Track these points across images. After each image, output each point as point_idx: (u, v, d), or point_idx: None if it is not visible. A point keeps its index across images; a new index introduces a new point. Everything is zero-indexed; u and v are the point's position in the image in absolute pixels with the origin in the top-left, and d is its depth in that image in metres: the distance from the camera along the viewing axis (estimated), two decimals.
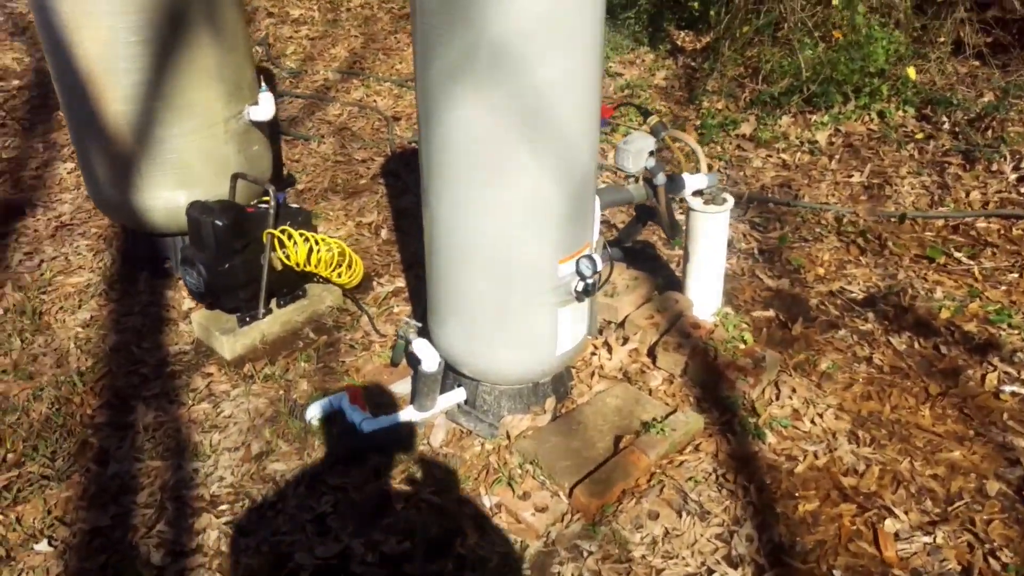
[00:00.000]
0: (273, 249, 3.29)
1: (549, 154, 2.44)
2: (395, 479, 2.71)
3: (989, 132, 4.92)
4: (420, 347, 2.82)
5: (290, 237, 3.29)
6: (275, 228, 3.28)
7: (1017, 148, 4.66)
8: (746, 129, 5.25)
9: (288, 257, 3.31)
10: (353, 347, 3.38)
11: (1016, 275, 3.77)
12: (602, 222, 4.29)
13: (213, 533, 2.55)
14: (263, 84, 3.78)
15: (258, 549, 2.50)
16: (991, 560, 2.43)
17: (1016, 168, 4.54)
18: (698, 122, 5.40)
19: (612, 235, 4.02)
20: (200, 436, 2.94)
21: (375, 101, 5.99)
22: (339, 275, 3.50)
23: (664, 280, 3.66)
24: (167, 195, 3.59)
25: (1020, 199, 4.36)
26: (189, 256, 3.22)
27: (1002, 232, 4.12)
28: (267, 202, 3.31)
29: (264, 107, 3.75)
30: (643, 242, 4.04)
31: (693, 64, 6.33)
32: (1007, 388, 3.09)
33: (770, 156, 5.01)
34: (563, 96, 2.39)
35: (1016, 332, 3.37)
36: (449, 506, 2.61)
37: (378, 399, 3.02)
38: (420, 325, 2.97)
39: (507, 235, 2.54)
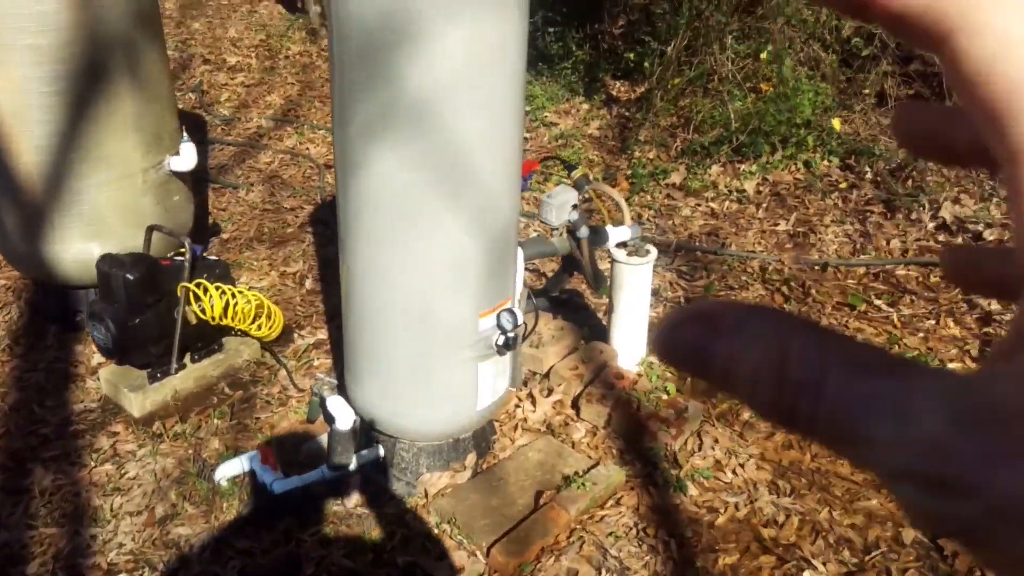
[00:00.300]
0: (188, 303, 3.19)
1: (468, 209, 2.42)
2: (307, 542, 2.61)
3: (909, 182, 5.05)
4: (335, 405, 2.74)
5: (206, 291, 3.20)
6: (190, 281, 3.19)
7: (935, 197, 4.79)
8: (676, 178, 5.32)
9: (204, 311, 3.21)
10: (269, 403, 3.29)
11: (933, 321, 3.84)
12: (531, 271, 4.29)
13: None
14: (185, 134, 3.71)
15: None
16: None
17: (934, 217, 4.66)
18: (629, 171, 5.45)
19: (542, 283, 4.01)
20: (101, 500, 2.81)
21: (308, 148, 5.95)
22: (258, 328, 3.42)
23: (590, 329, 3.65)
24: (79, 247, 3.48)
25: (937, 247, 4.46)
26: (97, 311, 3.11)
27: (920, 279, 4.21)
28: (183, 254, 3.22)
29: (185, 157, 3.68)
30: (571, 291, 4.03)
31: (627, 114, 6.43)
32: None
33: (699, 205, 5.08)
34: (482, 152, 2.38)
35: None
36: (362, 569, 2.52)
37: (292, 457, 2.93)
38: (335, 382, 2.90)
39: (426, 291, 2.50)
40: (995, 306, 3.91)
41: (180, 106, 6.62)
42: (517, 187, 2.59)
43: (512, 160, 2.49)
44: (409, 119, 2.24)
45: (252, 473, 2.81)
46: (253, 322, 3.39)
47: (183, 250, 3.23)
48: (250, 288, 4.02)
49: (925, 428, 0.21)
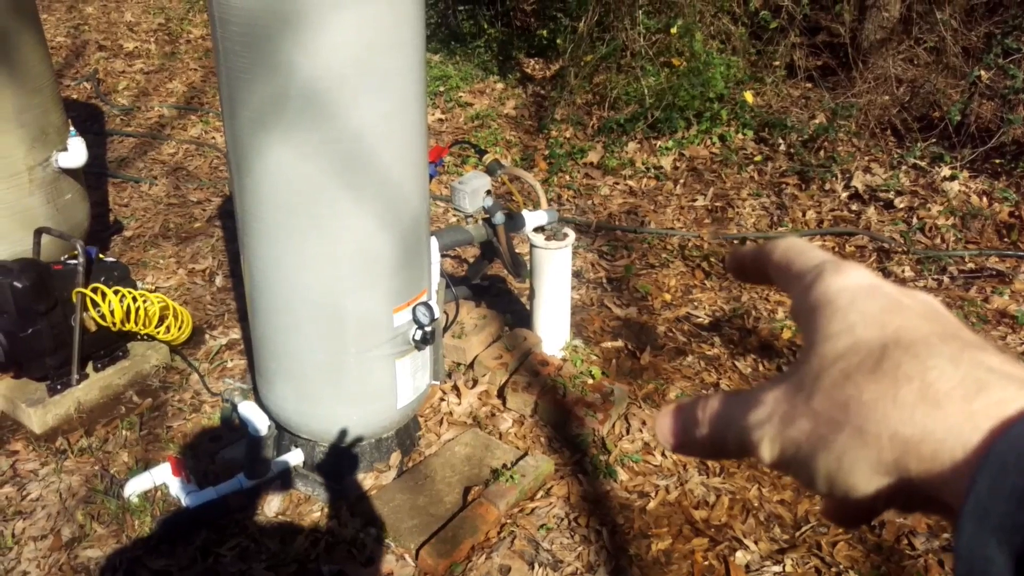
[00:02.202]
0: (85, 309, 3.00)
1: (373, 200, 2.31)
2: (226, 556, 2.48)
3: (821, 152, 5.13)
4: (247, 410, 2.61)
5: (104, 295, 3.01)
6: (86, 285, 3.00)
7: (847, 167, 4.87)
8: (593, 157, 5.29)
9: (103, 316, 3.03)
10: (182, 410, 3.12)
11: None
12: (452, 258, 4.20)
13: None
14: (72, 128, 3.48)
15: None
16: None
17: (846, 186, 4.74)
18: (547, 151, 5.39)
19: (464, 271, 3.92)
20: (1, 525, 2.62)
21: (214, 138, 5.70)
22: (165, 331, 3.24)
23: (514, 316, 3.59)
24: None
25: (851, 216, 4.54)
26: None
27: (836, 249, 4.27)
28: (77, 257, 3.03)
29: (74, 153, 3.45)
30: (492, 277, 3.96)
31: (542, 92, 6.36)
32: None
33: (617, 183, 5.05)
34: (383, 140, 2.26)
35: None
36: None
37: (207, 466, 2.79)
38: (247, 386, 2.77)
39: (334, 288, 2.38)
40: (908, 272, 4.00)
41: (75, 96, 6.29)
42: (424, 175, 2.49)
43: (417, 146, 2.38)
44: (302, 108, 2.11)
45: (165, 486, 2.66)
46: (159, 325, 3.21)
47: (76, 252, 3.03)
48: (156, 288, 3.83)
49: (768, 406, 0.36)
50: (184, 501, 2.58)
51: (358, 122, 2.18)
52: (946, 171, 4.67)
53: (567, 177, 5.12)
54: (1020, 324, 3.58)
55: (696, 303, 3.84)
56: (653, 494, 2.76)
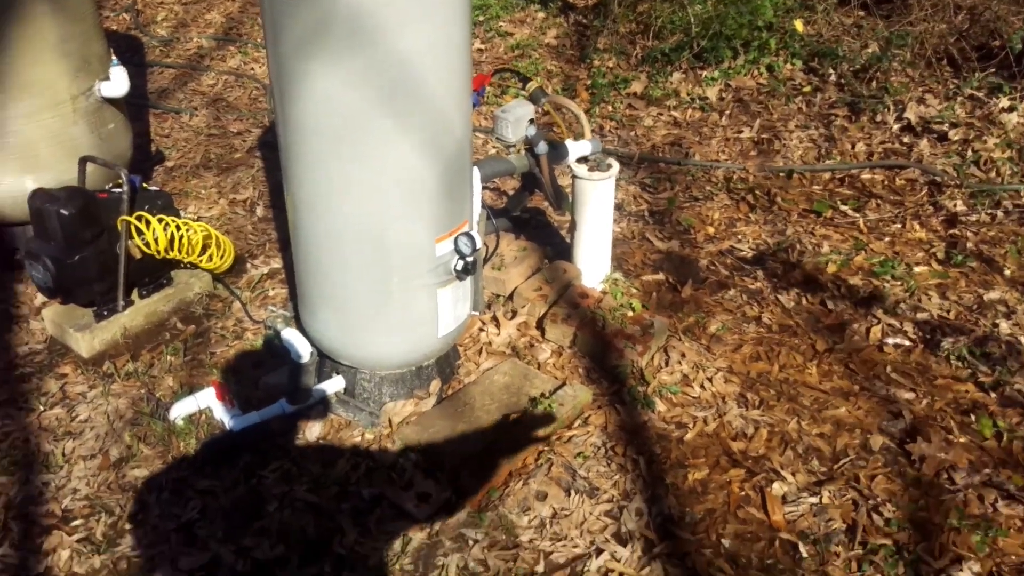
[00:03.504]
0: (130, 236, 3.04)
1: (417, 128, 2.28)
2: (268, 478, 2.54)
3: (873, 83, 4.96)
4: (290, 337, 2.64)
5: (148, 223, 3.05)
6: (130, 213, 3.03)
7: (900, 98, 4.70)
8: (637, 87, 5.17)
9: (148, 244, 3.06)
10: (224, 336, 3.17)
11: (899, 225, 3.81)
12: (491, 190, 4.16)
13: (64, 552, 2.34)
14: (114, 57, 3.48)
15: (115, 568, 2.31)
16: (874, 516, 2.43)
17: (899, 118, 4.59)
18: (589, 81, 5.28)
19: (503, 203, 3.89)
20: (52, 445, 2.71)
21: (252, 69, 5.68)
22: (208, 259, 3.28)
23: (554, 249, 3.56)
24: (11, 181, 3.28)
25: (902, 149, 4.40)
26: (34, 250, 2.95)
27: (886, 183, 4.15)
28: (121, 186, 3.05)
29: (117, 82, 3.46)
30: (533, 210, 3.92)
31: (584, 21, 6.21)
32: (890, 341, 3.10)
33: (661, 114, 4.95)
34: (428, 66, 2.22)
35: (899, 283, 3.40)
36: (326, 504, 2.46)
37: (250, 392, 2.84)
38: (289, 314, 2.80)
39: (377, 217, 2.37)
40: (960, 206, 3.88)
41: (114, 27, 6.29)
42: (468, 103, 2.45)
43: (461, 73, 2.33)
44: (346, 33, 2.07)
45: (209, 410, 2.72)
46: (202, 253, 3.25)
47: (121, 181, 3.05)
48: (198, 218, 3.87)
49: None
50: (228, 424, 2.64)
51: (403, 48, 2.14)
52: (1005, 102, 4.48)
53: (609, 108, 5.02)
54: None
55: (740, 236, 3.77)
56: (691, 425, 2.76)
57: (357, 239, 2.41)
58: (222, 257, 3.32)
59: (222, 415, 2.66)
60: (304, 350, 2.64)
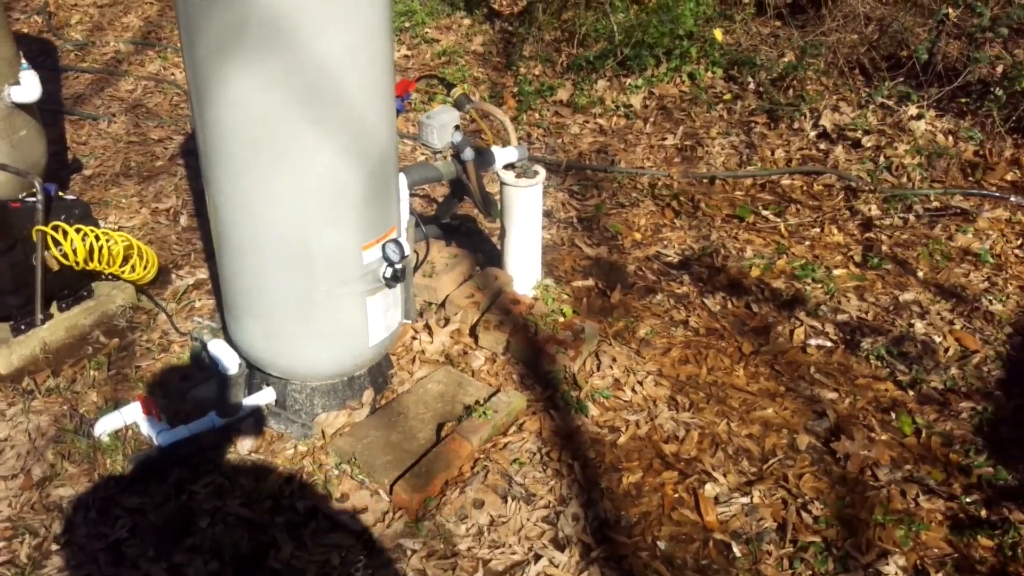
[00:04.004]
0: (47, 247, 2.93)
1: (339, 133, 2.27)
2: (199, 494, 2.48)
3: (790, 91, 5.12)
4: (217, 349, 2.59)
5: (65, 234, 2.94)
6: (46, 223, 2.92)
7: (815, 106, 4.87)
8: (563, 95, 5.23)
9: (66, 255, 2.96)
10: (150, 349, 3.09)
11: (818, 230, 3.94)
12: (422, 197, 4.15)
13: None
14: (24, 61, 3.36)
15: None
16: (803, 514, 2.51)
17: (815, 125, 4.75)
18: (515, 89, 5.32)
19: (433, 211, 3.88)
20: None
21: (173, 74, 5.54)
22: (131, 270, 3.19)
23: (485, 255, 3.57)
24: None
25: (819, 155, 4.56)
26: None
27: (804, 188, 4.30)
28: (35, 195, 2.94)
29: (28, 87, 3.34)
30: (463, 217, 3.93)
31: (510, 28, 6.25)
32: (813, 342, 3.21)
33: (587, 121, 5.01)
34: (347, 70, 2.21)
35: (819, 286, 3.52)
36: (260, 518, 2.42)
37: (178, 406, 2.77)
38: (216, 324, 2.74)
39: (301, 224, 2.35)
40: (875, 211, 4.04)
41: (25, 30, 6.05)
42: (391, 108, 2.44)
43: (383, 78, 2.33)
44: (263, 36, 2.04)
45: (135, 425, 2.64)
46: (124, 264, 3.16)
47: (35, 190, 2.95)
48: (119, 228, 3.76)
49: None
50: (156, 440, 2.57)
51: (322, 52, 2.13)
52: (913, 110, 4.69)
53: (536, 115, 5.07)
54: (983, 262, 3.65)
55: (666, 242, 3.85)
56: (624, 429, 2.80)
57: (281, 246, 2.37)
58: (145, 268, 3.23)
59: (149, 430, 2.59)
60: (232, 362, 2.59)
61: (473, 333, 3.16)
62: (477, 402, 2.79)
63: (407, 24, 6.24)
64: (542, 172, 3.17)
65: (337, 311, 2.53)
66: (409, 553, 2.36)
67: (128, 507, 2.45)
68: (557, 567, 2.33)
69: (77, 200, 3.13)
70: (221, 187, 2.34)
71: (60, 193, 3.13)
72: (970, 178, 4.27)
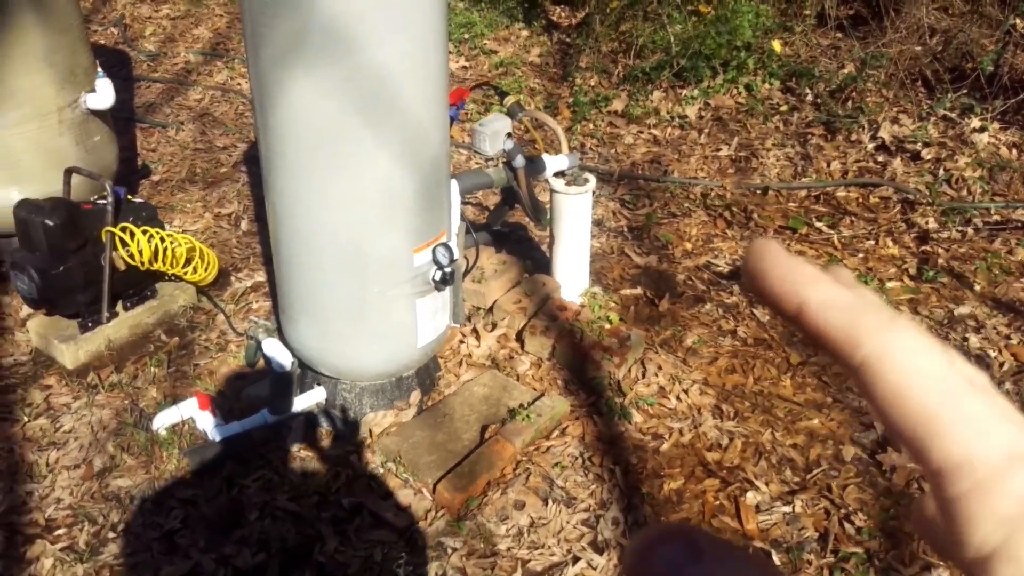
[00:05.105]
0: (114, 248, 3.07)
1: (394, 139, 2.34)
2: (250, 487, 2.58)
3: (849, 103, 5.06)
4: (271, 348, 2.68)
5: (132, 235, 3.08)
6: (115, 225, 3.07)
7: (874, 117, 4.80)
8: (618, 105, 5.25)
9: (132, 256, 3.10)
10: (208, 348, 3.21)
11: (872, 242, 3.89)
12: (474, 204, 4.22)
13: (48, 561, 2.36)
14: (100, 69, 3.53)
15: None
16: (846, 524, 2.49)
17: (873, 137, 4.68)
18: (571, 99, 5.36)
19: (485, 218, 3.95)
20: (36, 455, 2.73)
21: (239, 84, 5.73)
22: (193, 272, 3.32)
23: (534, 262, 3.62)
24: None
25: (876, 167, 4.50)
26: (19, 260, 2.98)
27: (860, 200, 4.24)
28: (106, 197, 3.09)
29: (102, 94, 3.50)
30: (513, 224, 3.98)
31: (567, 40, 6.30)
32: None
33: (641, 132, 5.03)
34: (403, 78, 2.28)
35: None
36: (307, 512, 2.49)
37: (232, 403, 2.87)
38: (271, 324, 2.84)
39: (355, 226, 2.43)
40: (932, 224, 3.97)
41: (102, 41, 6.33)
42: (445, 115, 2.50)
43: (437, 86, 2.39)
44: (323, 45, 2.13)
45: (192, 420, 2.75)
46: (186, 265, 3.28)
47: (105, 193, 3.09)
48: (183, 231, 3.90)
49: None
50: (211, 434, 2.67)
51: (378, 60, 2.20)
52: (976, 122, 4.59)
53: (591, 125, 5.10)
54: None
55: (716, 252, 3.84)
56: (667, 436, 2.81)
57: (335, 248, 2.46)
58: (206, 269, 3.36)
59: (205, 425, 2.69)
60: (285, 360, 2.68)
61: (519, 338, 3.20)
62: (521, 405, 2.83)
63: (466, 36, 6.34)
64: (592, 180, 3.21)
65: (387, 312, 2.60)
66: (450, 551, 2.41)
67: (182, 498, 2.55)
68: (595, 569, 2.35)
69: (144, 203, 3.27)
70: (280, 190, 2.44)
71: (129, 196, 3.28)
72: None
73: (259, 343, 2.73)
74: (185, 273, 3.30)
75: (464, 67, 5.99)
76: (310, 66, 2.18)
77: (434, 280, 2.62)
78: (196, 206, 4.22)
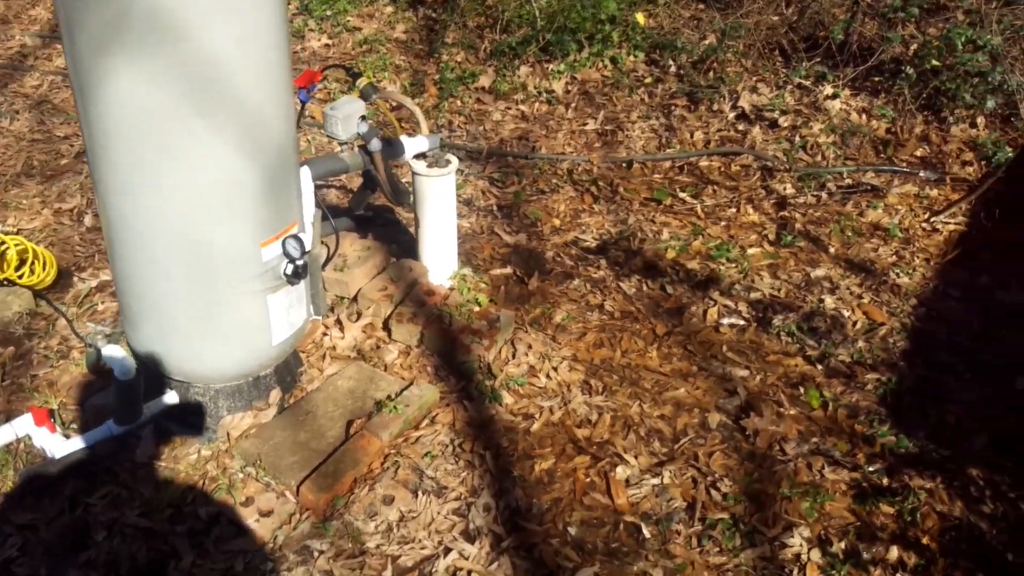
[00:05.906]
0: None
1: (231, 129, 2.19)
2: (95, 506, 2.40)
3: (711, 73, 5.15)
4: (112, 354, 2.49)
5: None
6: None
7: (734, 87, 4.90)
8: (485, 81, 5.18)
9: None
10: (48, 357, 2.98)
11: (734, 210, 3.97)
12: (339, 188, 4.08)
13: None
14: None
15: None
16: (712, 492, 2.53)
17: (733, 107, 4.78)
18: (437, 76, 5.26)
19: (347, 202, 3.82)
20: None
21: None
22: (28, 274, 3.07)
23: (401, 246, 3.52)
24: None
25: (737, 136, 4.59)
26: None
27: (722, 169, 4.32)
28: None
29: None
30: (379, 207, 3.87)
31: (433, 16, 6.17)
32: (725, 321, 3.23)
33: (509, 108, 4.98)
34: (239, 65, 2.13)
35: (734, 265, 3.54)
36: (160, 527, 2.34)
37: (75, 416, 2.67)
38: (109, 330, 2.65)
39: (194, 220, 2.27)
40: (790, 189, 4.08)
41: None
42: (288, 101, 2.37)
43: (277, 71, 2.26)
44: (147, 28, 1.96)
45: (29, 437, 2.54)
46: (19, 268, 3.04)
47: None
48: (18, 231, 3.62)
49: None
50: (49, 452, 2.47)
51: (210, 46, 2.05)
52: (828, 90, 4.75)
53: (458, 102, 5.01)
54: (891, 236, 3.71)
55: (584, 227, 3.84)
56: (537, 415, 2.79)
57: (173, 244, 2.29)
58: (42, 273, 3.11)
59: (42, 442, 2.49)
60: (127, 367, 2.50)
61: (386, 327, 3.11)
62: (388, 397, 2.75)
63: (328, 12, 6.12)
64: (455, 161, 3.13)
65: (236, 310, 2.46)
66: (316, 554, 2.31)
67: (19, 524, 2.35)
68: (467, 559, 2.31)
69: None
70: (109, 184, 2.25)
71: None
72: (882, 155, 4.34)
73: (98, 350, 2.54)
74: (19, 277, 3.04)
75: (327, 45, 5.79)
76: (134, 51, 2.01)
77: (286, 274, 2.49)
78: (33, 202, 3.92)
